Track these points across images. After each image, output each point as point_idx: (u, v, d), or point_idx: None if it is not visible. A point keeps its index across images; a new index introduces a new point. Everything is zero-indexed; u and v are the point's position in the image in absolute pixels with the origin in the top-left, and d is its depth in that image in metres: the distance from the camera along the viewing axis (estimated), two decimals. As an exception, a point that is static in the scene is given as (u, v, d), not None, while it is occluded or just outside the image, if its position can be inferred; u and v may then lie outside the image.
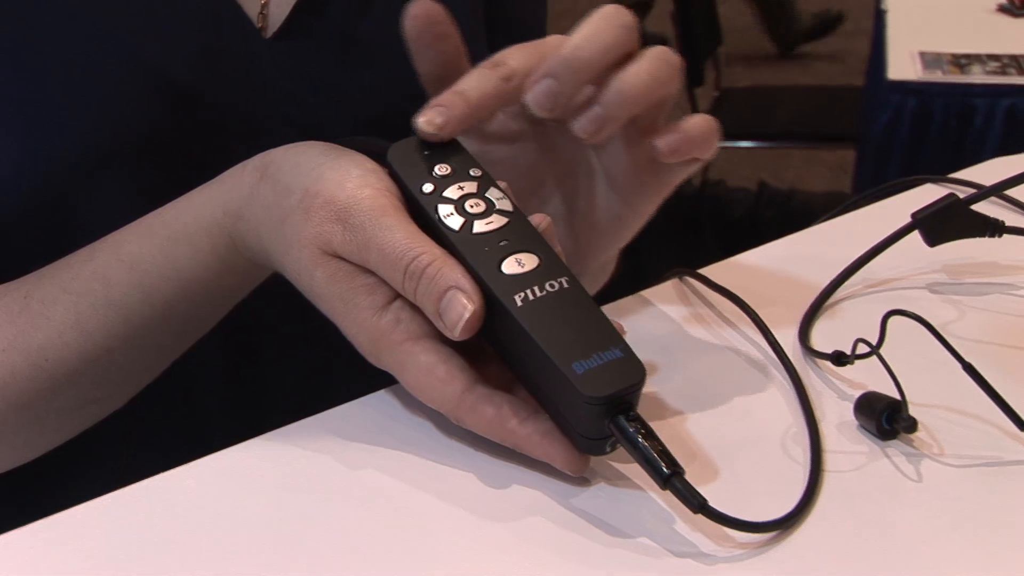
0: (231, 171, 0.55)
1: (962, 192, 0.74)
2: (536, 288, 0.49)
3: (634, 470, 0.49)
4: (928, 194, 0.76)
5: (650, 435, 0.47)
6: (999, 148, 2.26)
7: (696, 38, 3.12)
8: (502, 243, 0.50)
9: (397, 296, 0.50)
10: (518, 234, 0.51)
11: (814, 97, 3.38)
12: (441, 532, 0.47)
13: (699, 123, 0.54)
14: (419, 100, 0.73)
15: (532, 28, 0.83)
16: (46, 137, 0.61)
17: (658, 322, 0.62)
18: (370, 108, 0.70)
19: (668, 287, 0.65)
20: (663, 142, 0.54)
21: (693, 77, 3.16)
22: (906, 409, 0.50)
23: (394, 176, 0.53)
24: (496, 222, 0.51)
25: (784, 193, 1.46)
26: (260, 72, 0.67)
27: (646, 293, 0.65)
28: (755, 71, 4.50)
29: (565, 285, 0.50)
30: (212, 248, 0.55)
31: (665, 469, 0.46)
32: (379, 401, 0.55)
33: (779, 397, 0.55)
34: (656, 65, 0.53)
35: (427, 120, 0.52)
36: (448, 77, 0.57)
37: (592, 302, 0.50)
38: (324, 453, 0.51)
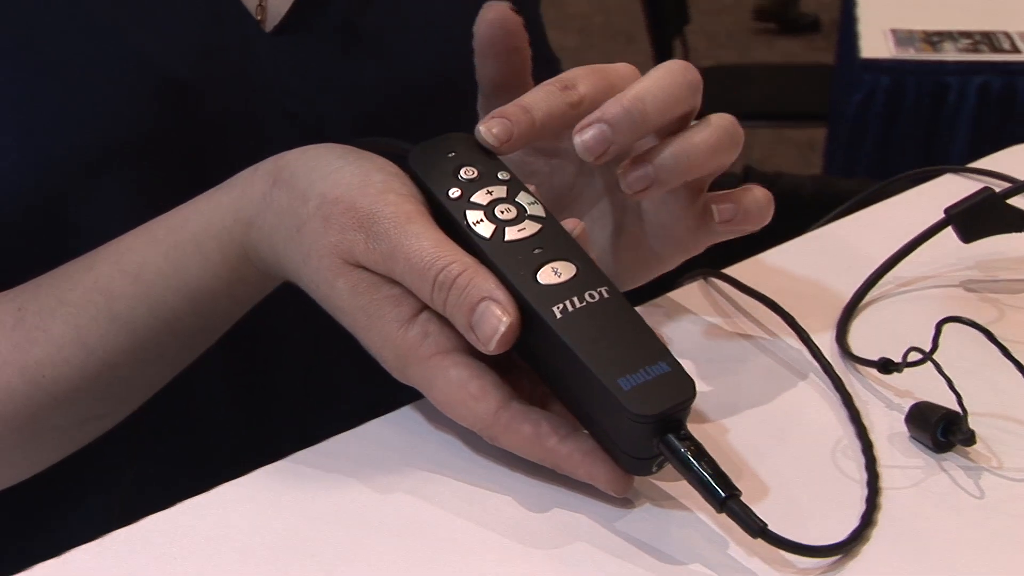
0: (241, 175, 0.52)
1: (988, 181, 0.71)
2: (575, 299, 0.46)
3: (680, 490, 0.46)
4: (949, 183, 0.74)
5: (702, 454, 0.44)
6: (972, 126, 2.26)
7: (664, 16, 3.09)
8: (536, 251, 0.48)
9: (424, 308, 0.48)
10: (553, 241, 0.48)
11: (783, 75, 3.35)
12: (479, 561, 0.44)
13: (758, 198, 0.53)
14: (420, 96, 0.71)
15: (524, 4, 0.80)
16: (45, 137, 0.58)
17: (687, 328, 0.59)
18: (371, 103, 0.68)
19: (693, 288, 0.62)
20: (718, 210, 0.53)
21: (661, 57, 3.14)
22: (966, 421, 0.48)
23: (417, 180, 0.50)
24: (529, 228, 0.48)
25: (770, 177, 1.43)
26: (260, 67, 0.64)
27: (671, 296, 0.62)
28: (722, 50, 4.49)
29: (605, 295, 0.47)
30: (222, 257, 0.52)
31: (721, 492, 0.43)
32: (405, 419, 0.52)
33: (825, 407, 0.52)
34: (719, 137, 0.51)
35: (487, 129, 0.50)
36: (508, 85, 0.54)
37: (635, 313, 0.47)
38: (350, 477, 0.48)
